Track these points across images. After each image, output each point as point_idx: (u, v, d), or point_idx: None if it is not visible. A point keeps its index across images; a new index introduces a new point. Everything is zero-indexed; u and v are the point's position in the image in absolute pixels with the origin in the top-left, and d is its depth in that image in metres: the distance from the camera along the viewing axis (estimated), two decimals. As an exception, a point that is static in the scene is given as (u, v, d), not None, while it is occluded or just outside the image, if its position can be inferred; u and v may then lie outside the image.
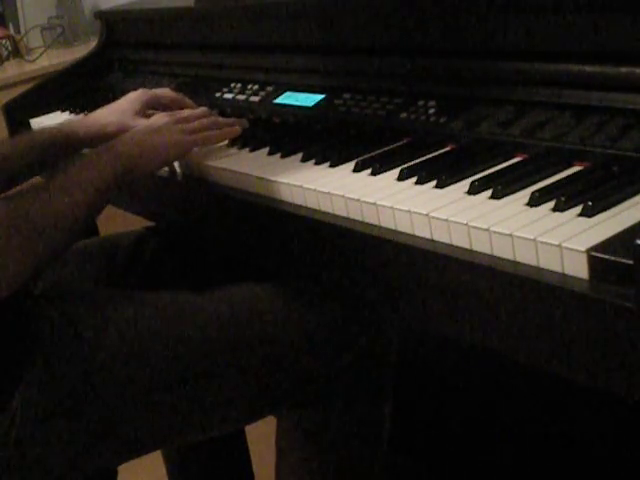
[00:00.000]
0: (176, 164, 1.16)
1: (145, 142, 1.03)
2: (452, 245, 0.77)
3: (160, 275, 1.24)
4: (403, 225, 0.82)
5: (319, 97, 1.19)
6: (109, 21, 1.81)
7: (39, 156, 1.17)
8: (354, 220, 0.88)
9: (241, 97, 1.33)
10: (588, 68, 0.87)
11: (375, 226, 0.85)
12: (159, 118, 1.13)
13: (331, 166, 0.99)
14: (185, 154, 1.09)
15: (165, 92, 1.28)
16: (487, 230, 0.73)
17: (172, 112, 1.17)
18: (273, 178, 0.99)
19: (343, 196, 0.89)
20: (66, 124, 1.27)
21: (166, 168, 1.16)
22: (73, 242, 0.95)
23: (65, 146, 1.19)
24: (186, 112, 1.16)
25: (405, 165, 0.93)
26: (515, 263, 0.71)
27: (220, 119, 1.18)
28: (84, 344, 0.92)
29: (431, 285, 0.80)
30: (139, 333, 0.94)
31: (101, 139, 1.15)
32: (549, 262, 0.68)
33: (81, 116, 1.53)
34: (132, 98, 1.25)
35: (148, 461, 1.08)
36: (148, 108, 1.24)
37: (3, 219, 0.82)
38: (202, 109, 1.21)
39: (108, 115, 1.22)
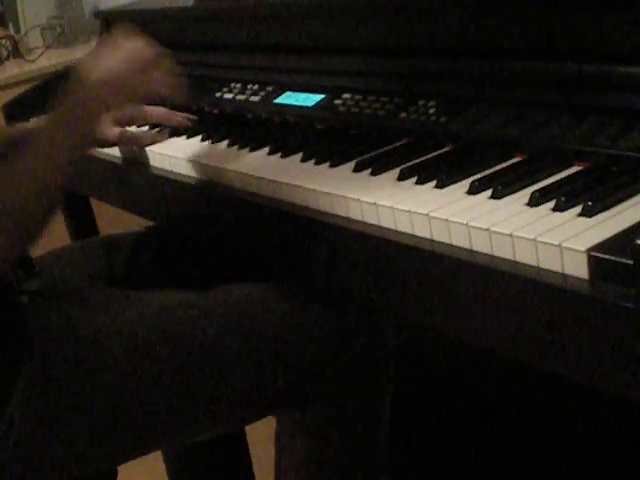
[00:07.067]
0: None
1: (109, 81, 1.02)
2: (452, 245, 0.77)
3: (160, 275, 1.24)
4: (403, 225, 0.82)
5: (319, 97, 1.19)
6: (109, 21, 1.81)
7: None
8: (354, 220, 0.88)
9: (241, 97, 1.33)
10: (588, 68, 0.87)
11: (375, 226, 0.85)
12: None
13: (331, 166, 0.99)
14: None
15: (156, 109, 1.25)
16: (487, 230, 0.73)
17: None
18: (273, 178, 0.99)
19: (343, 196, 0.89)
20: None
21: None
22: (59, 202, 0.94)
23: None
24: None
25: (405, 165, 0.93)
26: (515, 263, 0.71)
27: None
28: (83, 344, 0.92)
29: (431, 285, 0.80)
30: (138, 333, 0.94)
31: None
32: (549, 262, 0.68)
33: None
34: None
35: (148, 461, 1.08)
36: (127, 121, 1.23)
37: None
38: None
39: None
